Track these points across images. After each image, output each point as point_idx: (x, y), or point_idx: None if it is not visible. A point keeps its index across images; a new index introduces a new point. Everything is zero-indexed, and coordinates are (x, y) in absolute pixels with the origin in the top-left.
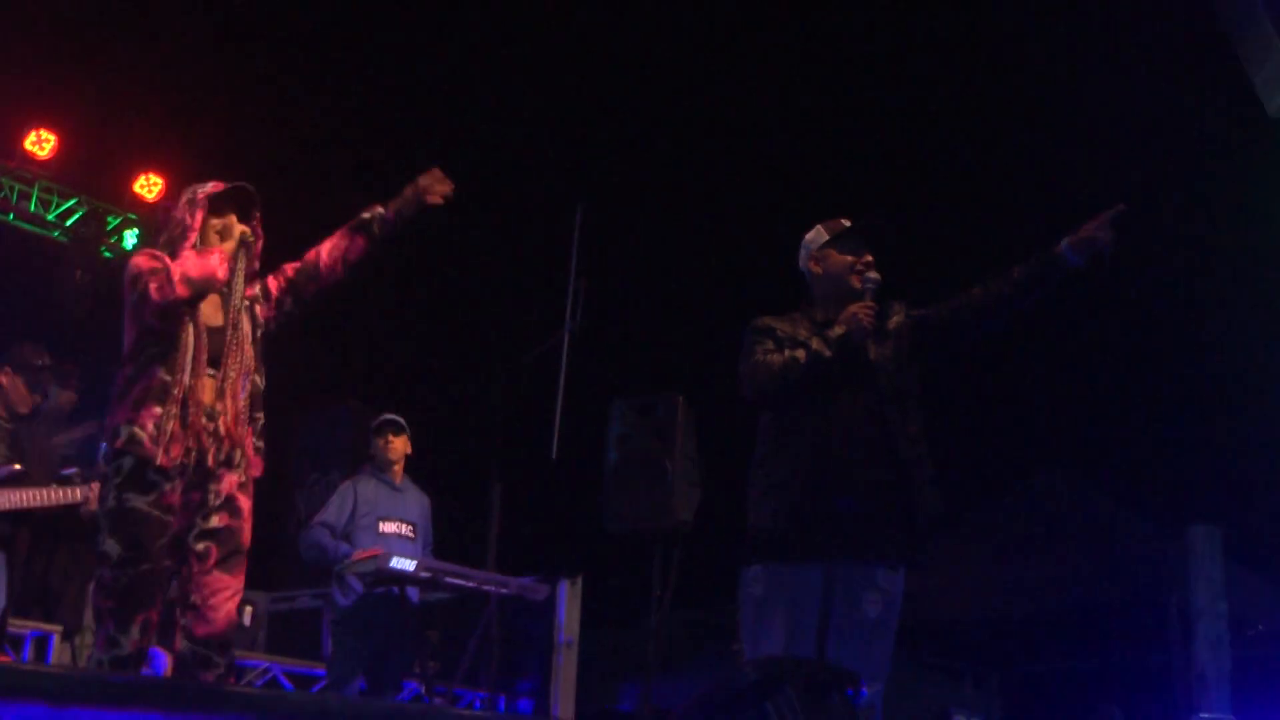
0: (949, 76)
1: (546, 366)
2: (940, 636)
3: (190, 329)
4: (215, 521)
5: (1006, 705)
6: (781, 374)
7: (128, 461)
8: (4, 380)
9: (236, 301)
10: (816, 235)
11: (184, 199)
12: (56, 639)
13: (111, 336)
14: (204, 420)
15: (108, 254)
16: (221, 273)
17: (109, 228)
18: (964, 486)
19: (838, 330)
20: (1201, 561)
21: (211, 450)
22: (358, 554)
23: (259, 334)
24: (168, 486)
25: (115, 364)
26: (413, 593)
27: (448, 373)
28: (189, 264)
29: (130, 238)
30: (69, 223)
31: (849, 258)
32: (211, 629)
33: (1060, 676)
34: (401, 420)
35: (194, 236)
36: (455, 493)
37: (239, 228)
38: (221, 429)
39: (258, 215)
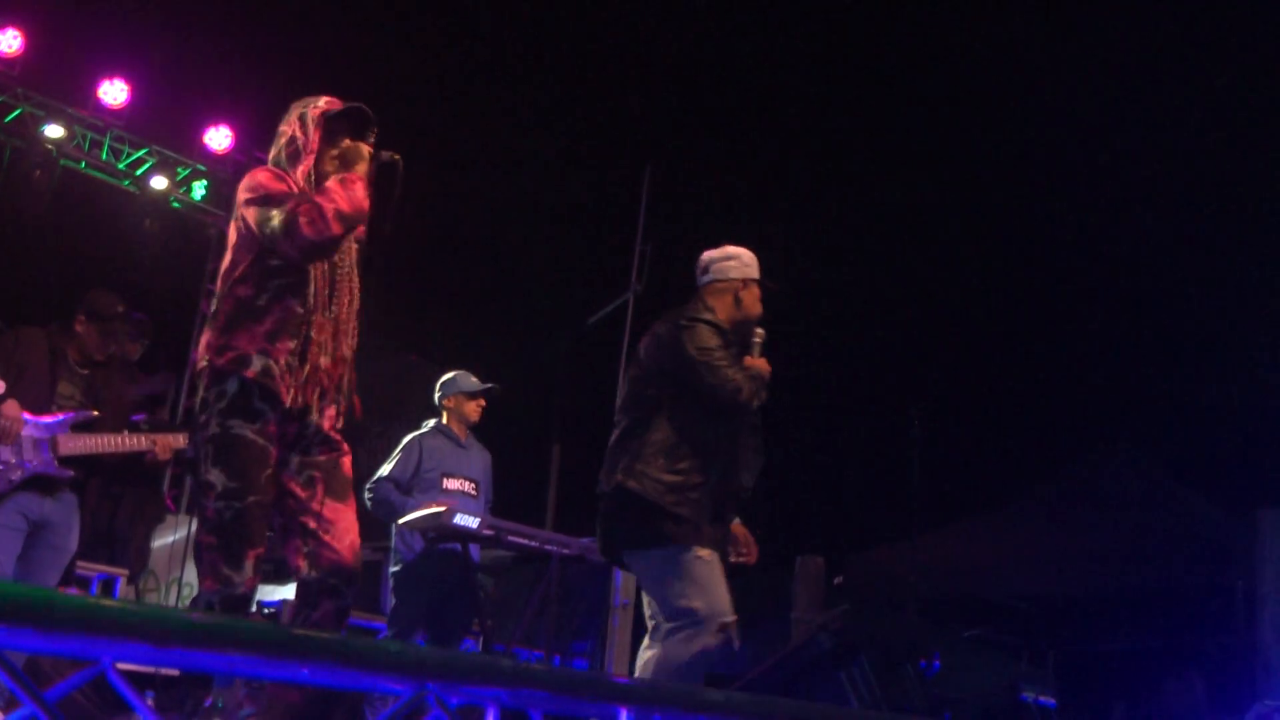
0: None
1: (610, 329)
2: (999, 612)
3: (342, 268)
4: (317, 455)
5: (1064, 684)
6: (745, 398)
7: (233, 386)
8: (79, 328)
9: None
10: (752, 266)
11: (294, 113)
12: (122, 582)
13: (177, 286)
14: (322, 359)
15: (176, 204)
16: (367, 204)
17: (178, 178)
18: (1027, 461)
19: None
20: (1269, 544)
21: (317, 390)
22: (423, 508)
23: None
24: (271, 415)
25: (198, 284)
26: (474, 550)
27: (511, 332)
28: (339, 197)
29: (199, 189)
30: (139, 172)
31: (759, 311)
32: (339, 558)
33: (1120, 657)
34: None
35: (311, 160)
36: (516, 452)
37: (365, 148)
38: (333, 368)
39: (373, 139)
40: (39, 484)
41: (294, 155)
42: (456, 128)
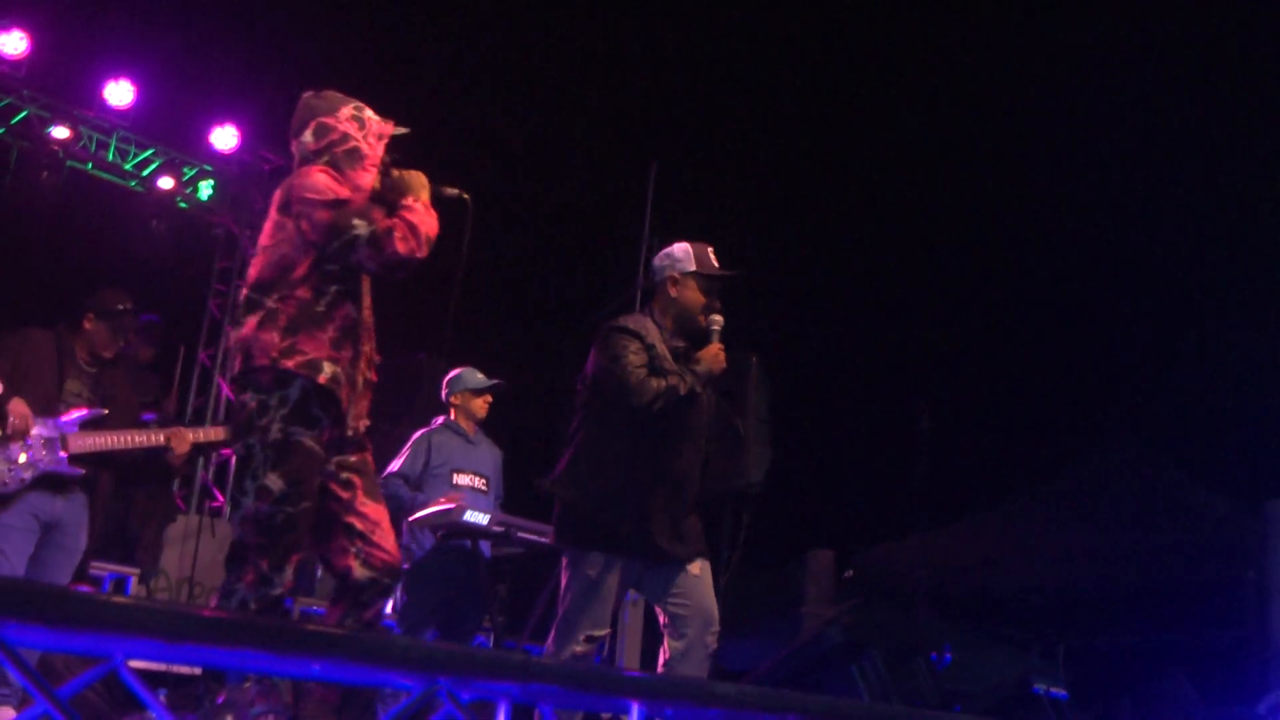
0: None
1: None
2: (1009, 606)
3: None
4: (349, 454)
5: (1074, 678)
6: (661, 396)
7: (296, 392)
8: (88, 325)
9: None
10: (685, 259)
11: (343, 112)
12: (134, 581)
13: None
14: (363, 364)
15: (183, 204)
16: (434, 229)
17: (184, 178)
18: (1036, 455)
19: (702, 369)
20: (1279, 537)
21: (363, 396)
22: (433, 505)
23: None
24: (327, 423)
25: (240, 281)
26: (485, 546)
27: (519, 329)
28: (426, 222)
29: (205, 189)
30: (146, 173)
31: (703, 298)
32: (390, 558)
33: (1131, 651)
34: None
35: (375, 172)
36: (525, 448)
37: (424, 177)
38: (369, 372)
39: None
40: (50, 483)
41: (353, 158)
42: (461, 124)
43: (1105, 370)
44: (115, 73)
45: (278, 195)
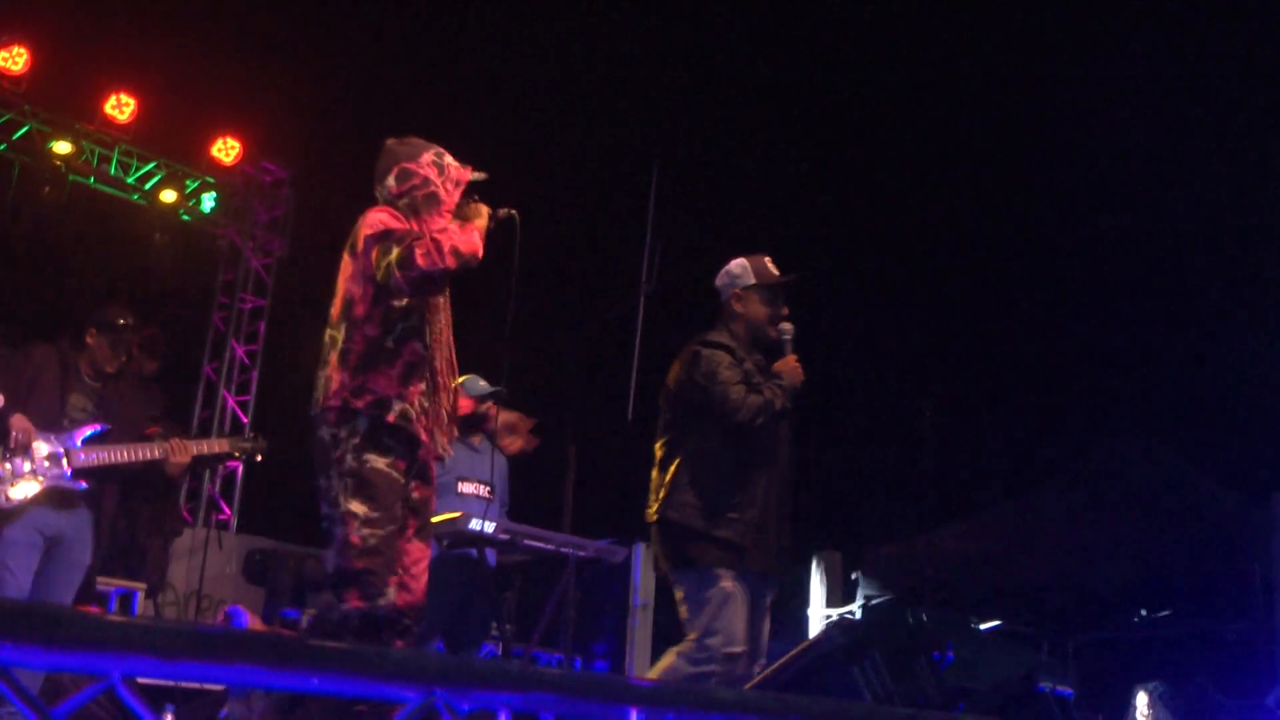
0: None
1: (623, 328)
2: (1016, 602)
3: (440, 302)
4: (414, 492)
5: (1083, 673)
6: (762, 412)
7: (363, 424)
8: (90, 340)
9: None
10: (743, 274)
11: (424, 157)
12: (141, 596)
13: (191, 299)
14: (443, 398)
15: (186, 217)
16: (481, 250)
17: (187, 191)
18: (1041, 451)
19: (785, 383)
20: None
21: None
22: (438, 513)
23: None
24: (402, 451)
25: (323, 322)
26: (491, 554)
27: (523, 334)
28: (456, 236)
29: (208, 201)
30: (148, 186)
31: (768, 309)
32: (414, 598)
33: (1139, 645)
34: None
35: (449, 216)
36: (531, 455)
37: (485, 208)
38: (450, 403)
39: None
40: (54, 498)
41: (431, 202)
42: (462, 131)
43: (1110, 364)
44: (116, 87)
45: (350, 238)
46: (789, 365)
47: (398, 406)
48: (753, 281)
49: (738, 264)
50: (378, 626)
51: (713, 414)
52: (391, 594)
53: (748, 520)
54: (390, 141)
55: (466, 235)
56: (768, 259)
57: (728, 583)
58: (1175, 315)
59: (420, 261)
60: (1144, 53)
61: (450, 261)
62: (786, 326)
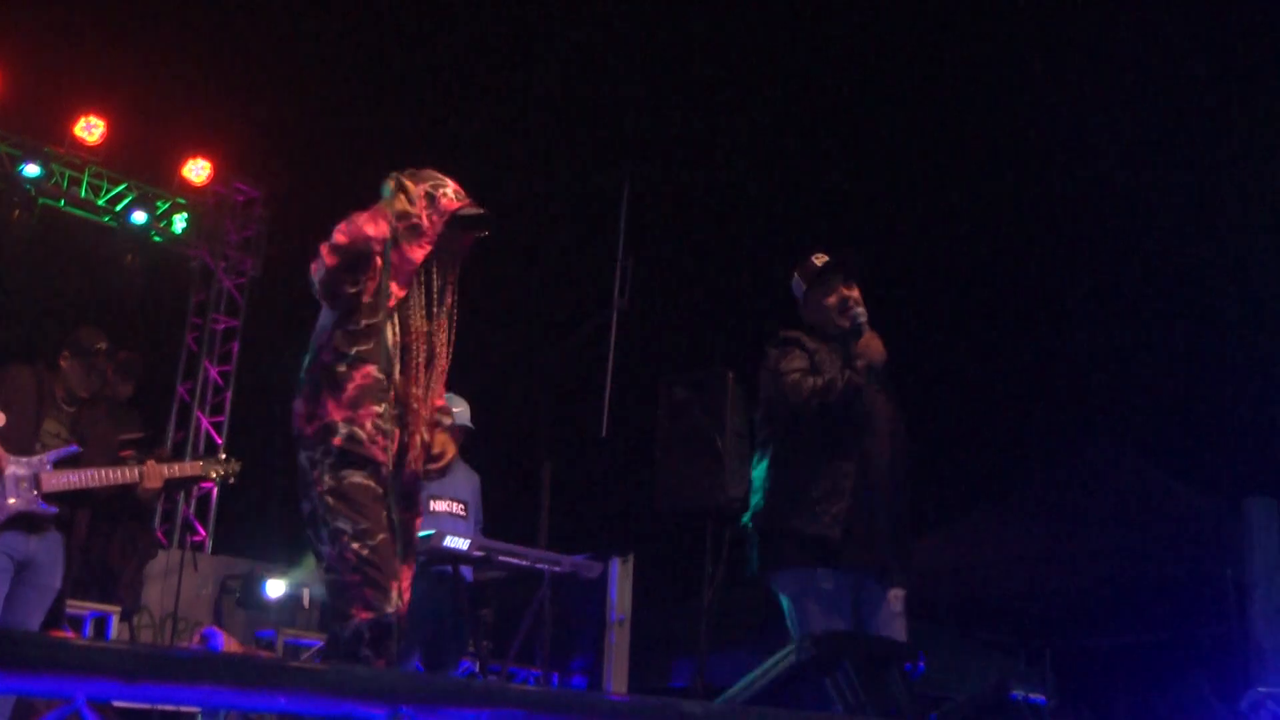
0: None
1: (596, 344)
2: (993, 612)
3: (391, 326)
4: (396, 511)
5: (1061, 680)
6: (817, 394)
7: (330, 446)
8: (64, 364)
9: (437, 306)
10: (798, 283)
11: (420, 189)
12: (115, 619)
13: (164, 320)
14: (411, 416)
15: (157, 238)
16: (373, 230)
17: (158, 212)
18: (1015, 459)
19: (862, 362)
20: (1258, 534)
21: (411, 449)
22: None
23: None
24: (369, 470)
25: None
26: (466, 571)
27: (497, 351)
28: (337, 231)
29: (179, 222)
30: (119, 208)
31: (832, 299)
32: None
33: (1115, 651)
34: None
35: (430, 248)
36: (506, 472)
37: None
38: (426, 431)
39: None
40: (24, 522)
41: (412, 233)
42: (433, 149)
43: (1083, 372)
44: (85, 108)
45: None
46: (865, 342)
47: (344, 430)
48: (805, 287)
49: (808, 262)
50: (390, 635)
51: (786, 407)
52: (396, 600)
53: (835, 513)
54: (408, 171)
55: (349, 223)
56: (814, 256)
57: (825, 583)
58: (1149, 322)
59: (313, 274)
60: (1114, 62)
61: (330, 260)
62: (857, 311)
